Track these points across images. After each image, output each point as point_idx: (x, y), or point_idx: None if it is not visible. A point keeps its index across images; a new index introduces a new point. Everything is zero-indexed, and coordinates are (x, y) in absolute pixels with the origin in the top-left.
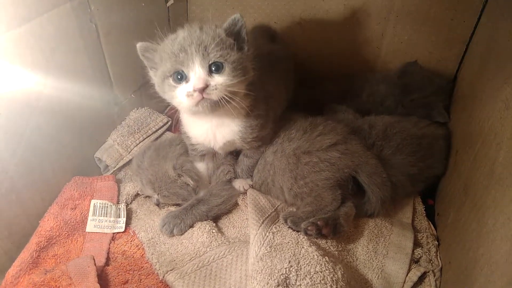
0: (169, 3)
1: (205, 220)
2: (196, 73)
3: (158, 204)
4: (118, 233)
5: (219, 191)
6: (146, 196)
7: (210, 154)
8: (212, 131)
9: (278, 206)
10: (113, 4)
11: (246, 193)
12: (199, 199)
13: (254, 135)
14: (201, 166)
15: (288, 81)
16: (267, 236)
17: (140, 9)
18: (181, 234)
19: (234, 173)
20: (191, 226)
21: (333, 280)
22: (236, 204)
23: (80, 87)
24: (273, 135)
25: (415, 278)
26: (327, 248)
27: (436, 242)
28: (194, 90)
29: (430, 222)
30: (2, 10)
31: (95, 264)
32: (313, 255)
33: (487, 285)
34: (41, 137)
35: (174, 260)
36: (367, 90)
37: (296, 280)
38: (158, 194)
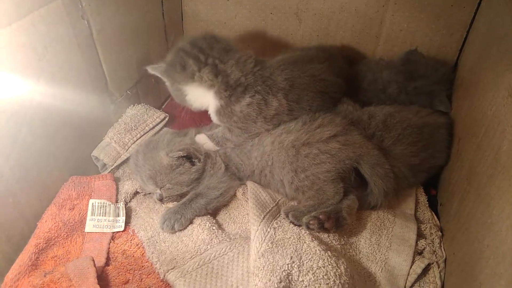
0: None
1: (205, 213)
2: None
3: (161, 200)
4: (117, 232)
5: (217, 184)
6: (145, 194)
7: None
8: None
9: (279, 200)
10: (105, 0)
11: (246, 186)
12: (197, 193)
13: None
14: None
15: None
16: (269, 232)
17: (133, 4)
18: (183, 229)
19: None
20: (191, 221)
21: (336, 275)
22: (234, 196)
23: (74, 85)
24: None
25: (419, 270)
26: (330, 242)
27: (440, 233)
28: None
29: (433, 213)
30: None
31: (94, 265)
32: (315, 250)
33: (494, 277)
34: (36, 138)
35: (175, 259)
36: (369, 76)
37: (298, 276)
38: (161, 188)
